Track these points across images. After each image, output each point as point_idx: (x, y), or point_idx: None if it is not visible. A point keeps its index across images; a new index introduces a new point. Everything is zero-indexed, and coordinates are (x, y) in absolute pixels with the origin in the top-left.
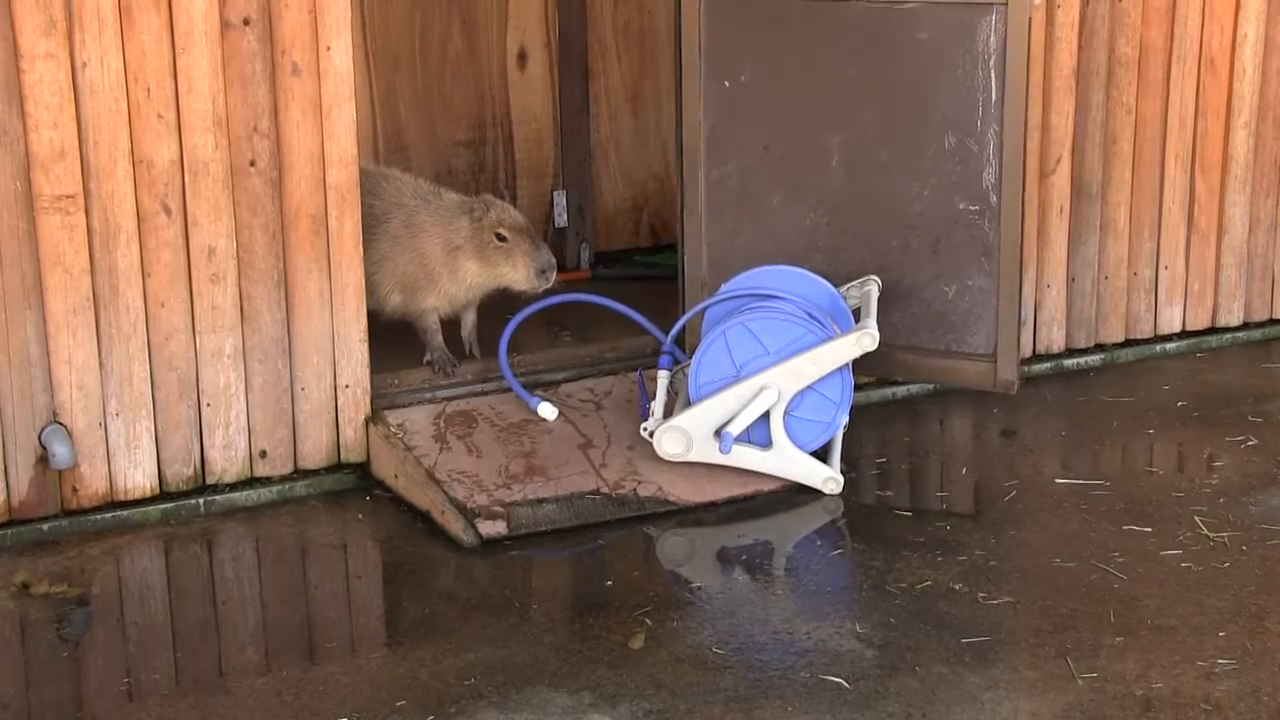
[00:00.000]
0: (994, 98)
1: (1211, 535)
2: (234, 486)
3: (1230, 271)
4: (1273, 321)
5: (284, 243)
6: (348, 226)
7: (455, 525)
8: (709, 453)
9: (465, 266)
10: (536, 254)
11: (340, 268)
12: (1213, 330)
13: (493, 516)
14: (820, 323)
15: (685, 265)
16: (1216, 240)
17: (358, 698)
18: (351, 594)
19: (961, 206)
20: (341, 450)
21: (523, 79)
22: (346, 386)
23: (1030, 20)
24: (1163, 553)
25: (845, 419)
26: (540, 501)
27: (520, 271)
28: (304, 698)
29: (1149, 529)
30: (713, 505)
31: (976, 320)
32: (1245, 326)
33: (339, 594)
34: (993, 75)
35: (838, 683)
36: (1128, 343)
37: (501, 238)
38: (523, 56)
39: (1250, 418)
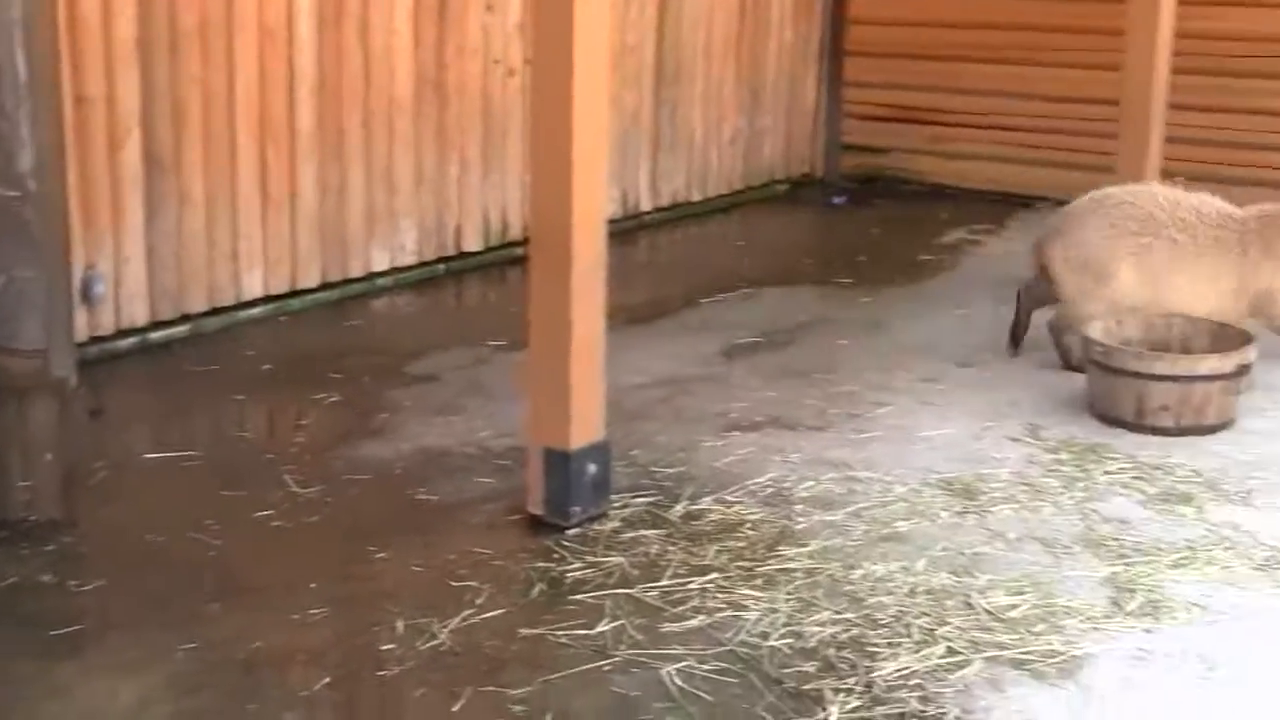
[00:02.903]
0: (23, 77)
1: (300, 492)
2: None
3: (305, 237)
4: (347, 281)
5: None
6: None
7: None
8: None
9: None
10: None
11: None
12: (294, 294)
13: None
14: None
15: None
16: (290, 208)
17: None
18: None
19: (2, 193)
20: None
21: None
22: None
23: None
24: (255, 514)
25: None
26: None
27: None
28: None
29: (242, 493)
30: None
31: (28, 314)
32: (324, 287)
33: None
34: (19, 52)
35: None
36: (213, 311)
37: None
38: None
39: (332, 374)
